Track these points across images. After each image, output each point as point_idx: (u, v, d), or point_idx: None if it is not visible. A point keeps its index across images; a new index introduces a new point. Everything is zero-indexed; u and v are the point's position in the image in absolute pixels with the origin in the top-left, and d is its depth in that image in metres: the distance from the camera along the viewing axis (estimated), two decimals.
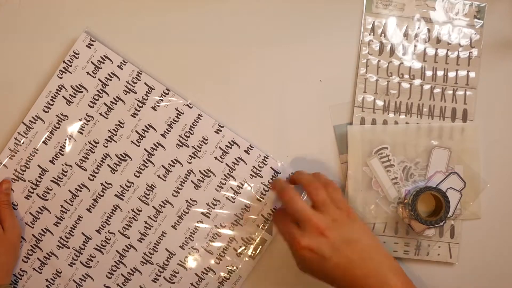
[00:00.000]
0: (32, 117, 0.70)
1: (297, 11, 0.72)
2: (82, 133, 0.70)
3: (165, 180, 0.70)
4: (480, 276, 0.72)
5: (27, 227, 0.70)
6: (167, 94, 0.70)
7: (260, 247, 0.70)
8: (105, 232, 0.70)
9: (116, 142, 0.70)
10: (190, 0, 0.72)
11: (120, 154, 0.70)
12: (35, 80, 0.71)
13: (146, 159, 0.70)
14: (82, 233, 0.70)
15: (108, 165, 0.70)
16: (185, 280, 0.70)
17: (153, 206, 0.70)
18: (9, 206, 0.69)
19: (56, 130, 0.70)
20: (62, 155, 0.70)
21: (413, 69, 0.72)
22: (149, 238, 0.70)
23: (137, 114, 0.70)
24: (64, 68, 0.70)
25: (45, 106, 0.70)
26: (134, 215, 0.70)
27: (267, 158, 0.70)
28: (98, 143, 0.70)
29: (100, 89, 0.70)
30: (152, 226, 0.70)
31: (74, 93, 0.70)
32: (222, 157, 0.70)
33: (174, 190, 0.70)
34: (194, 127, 0.70)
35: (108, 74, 0.70)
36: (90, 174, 0.70)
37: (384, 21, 0.72)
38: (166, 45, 0.71)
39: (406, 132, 0.71)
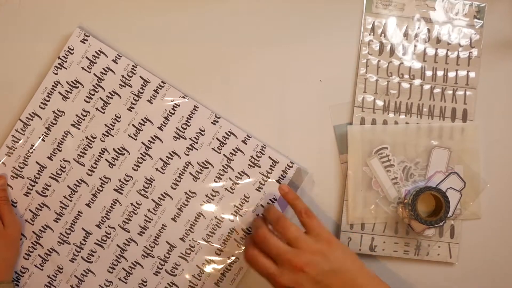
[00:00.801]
0: (29, 114, 0.70)
1: (297, 11, 0.72)
2: (79, 129, 0.70)
3: (163, 173, 0.70)
4: (480, 276, 0.71)
5: (27, 224, 0.70)
6: (163, 86, 0.70)
7: None
8: (105, 227, 0.70)
9: (113, 136, 0.70)
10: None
11: (118, 148, 0.70)
12: (32, 77, 0.71)
13: (144, 152, 0.70)
14: (82, 228, 0.70)
15: (106, 159, 0.70)
16: (187, 272, 0.70)
17: (152, 199, 0.70)
18: (7, 202, 0.69)
19: (53, 126, 0.70)
20: (60, 151, 0.70)
21: (413, 69, 0.71)
22: (149, 231, 0.70)
23: (133, 108, 0.70)
24: (59, 64, 0.70)
25: (41, 103, 0.70)
26: (133, 209, 0.70)
27: (265, 148, 0.70)
28: (95, 138, 0.70)
29: (96, 84, 0.70)
30: (152, 219, 0.70)
31: (70, 88, 0.70)
32: (220, 148, 0.70)
33: (172, 183, 0.70)
34: (190, 119, 0.70)
35: (103, 69, 0.70)
36: (89, 169, 0.70)
37: (384, 21, 0.72)
38: (165, 44, 0.71)
39: (406, 132, 0.71)
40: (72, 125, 0.70)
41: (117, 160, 0.70)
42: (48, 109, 0.70)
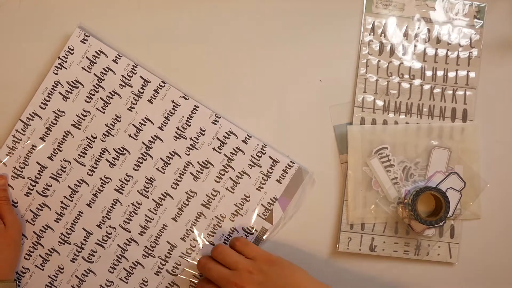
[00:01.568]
0: (29, 114, 0.70)
1: (297, 11, 0.72)
2: (79, 129, 0.70)
3: (164, 173, 0.70)
4: (480, 276, 0.72)
5: (28, 224, 0.70)
6: (163, 86, 0.70)
7: (261, 236, 0.70)
8: (106, 227, 0.70)
9: (113, 136, 0.70)
10: None
11: (118, 148, 0.70)
12: (32, 77, 0.71)
13: (144, 152, 0.70)
14: (83, 228, 0.70)
15: (106, 159, 0.70)
16: (188, 272, 0.70)
17: (153, 199, 0.70)
18: (7, 202, 0.69)
19: (53, 126, 0.70)
20: (61, 151, 0.70)
21: (413, 69, 0.72)
22: (150, 231, 0.70)
23: (133, 108, 0.70)
24: (59, 64, 0.70)
25: (41, 103, 0.70)
26: (134, 209, 0.70)
27: (265, 148, 0.70)
28: (95, 138, 0.70)
29: (96, 84, 0.70)
30: (153, 219, 0.70)
31: (70, 88, 0.70)
32: (220, 147, 0.70)
33: (173, 183, 0.70)
34: (191, 119, 0.70)
35: (104, 69, 0.70)
36: (89, 169, 0.70)
37: (384, 21, 0.72)
38: (165, 44, 0.71)
39: (406, 132, 0.71)
40: (72, 125, 0.70)
41: (118, 160, 0.70)
42: (48, 109, 0.70)
